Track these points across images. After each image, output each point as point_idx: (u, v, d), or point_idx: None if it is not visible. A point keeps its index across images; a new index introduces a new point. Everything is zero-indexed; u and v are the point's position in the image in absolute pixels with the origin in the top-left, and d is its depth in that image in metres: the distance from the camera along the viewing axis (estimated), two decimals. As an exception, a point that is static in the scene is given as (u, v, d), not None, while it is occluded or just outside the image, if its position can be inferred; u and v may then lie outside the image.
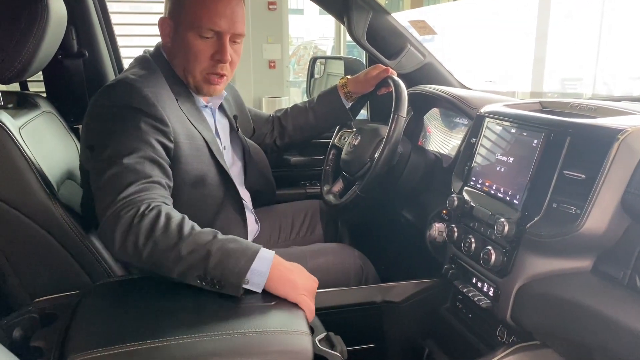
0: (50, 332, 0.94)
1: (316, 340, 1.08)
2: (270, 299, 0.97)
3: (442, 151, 1.58)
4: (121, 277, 1.15)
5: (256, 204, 1.56)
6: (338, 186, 1.59)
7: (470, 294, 1.10)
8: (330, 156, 1.69)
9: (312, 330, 1.12)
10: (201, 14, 1.17)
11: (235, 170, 1.42)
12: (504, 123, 1.13)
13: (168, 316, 0.90)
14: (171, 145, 1.13)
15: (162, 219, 0.96)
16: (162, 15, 1.25)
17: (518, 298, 1.00)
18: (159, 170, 1.07)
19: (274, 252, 0.98)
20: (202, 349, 0.83)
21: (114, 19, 1.78)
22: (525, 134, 1.05)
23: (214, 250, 0.93)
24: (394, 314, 1.28)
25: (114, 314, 0.94)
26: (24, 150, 1.11)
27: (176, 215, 0.98)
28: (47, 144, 1.31)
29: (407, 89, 1.43)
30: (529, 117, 1.06)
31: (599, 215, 0.88)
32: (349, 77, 1.61)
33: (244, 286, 0.93)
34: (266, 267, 0.94)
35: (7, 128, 1.10)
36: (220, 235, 0.97)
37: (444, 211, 1.32)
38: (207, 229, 0.98)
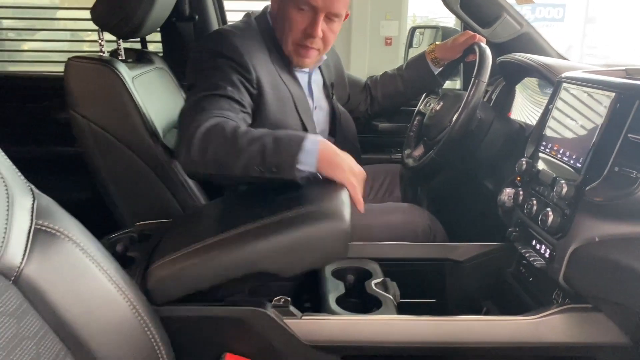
0: (143, 247, 1.11)
1: (372, 283, 1.17)
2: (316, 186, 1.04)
3: (528, 121, 1.56)
4: (206, 205, 1.31)
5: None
6: (419, 150, 1.63)
7: (527, 255, 1.11)
8: (415, 122, 1.73)
9: (370, 274, 1.21)
10: None
11: (320, 130, 1.51)
12: (577, 87, 1.11)
13: (228, 218, 1.03)
14: (254, 91, 1.23)
15: (220, 125, 1.06)
16: None
17: (572, 260, 1.00)
18: (237, 106, 1.17)
19: (319, 136, 1.06)
20: (251, 232, 0.92)
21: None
22: (595, 97, 1.04)
23: (268, 140, 1.02)
24: (457, 273, 1.32)
25: (190, 231, 1.09)
26: (134, 96, 1.30)
27: (232, 123, 1.08)
28: (157, 95, 1.50)
29: (499, 57, 1.43)
30: (600, 80, 1.04)
31: (660, 179, 0.86)
32: (437, 43, 1.63)
33: (297, 166, 1.00)
34: (315, 145, 1.01)
35: (122, 76, 1.30)
36: (271, 130, 1.07)
37: (518, 177, 1.32)
38: (261, 128, 1.09)
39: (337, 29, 1.32)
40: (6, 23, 3.45)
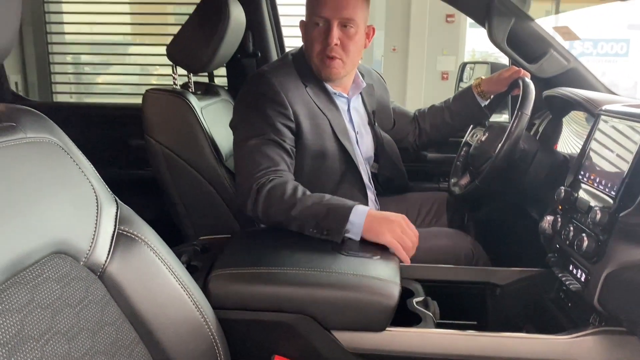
0: (205, 258, 1.24)
1: (413, 301, 1.24)
2: (372, 254, 1.15)
3: (574, 153, 1.60)
4: (261, 227, 1.43)
5: (388, 191, 1.75)
6: (465, 179, 1.70)
7: (564, 279, 1.16)
8: (462, 152, 1.80)
9: (412, 293, 1.28)
10: (312, 6, 1.42)
11: (364, 154, 1.61)
12: (615, 119, 1.16)
13: (288, 253, 1.14)
14: (292, 124, 1.38)
15: (280, 189, 1.23)
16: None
17: (606, 283, 1.03)
18: (281, 150, 1.33)
19: (368, 207, 1.18)
20: (309, 278, 1.05)
21: (283, 22, 2.12)
22: (630, 128, 1.09)
23: (322, 210, 1.18)
24: (497, 296, 1.37)
25: (250, 249, 1.21)
26: (203, 124, 1.45)
27: (290, 185, 1.24)
28: (222, 124, 1.66)
29: (545, 91, 1.50)
30: (634, 112, 1.09)
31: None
32: (482, 77, 1.71)
33: (346, 235, 1.15)
34: (361, 218, 1.15)
35: (193, 106, 1.46)
36: (325, 196, 1.22)
37: (560, 206, 1.37)
38: (316, 193, 1.24)
39: (354, 35, 1.42)
40: (84, 58, 3.80)
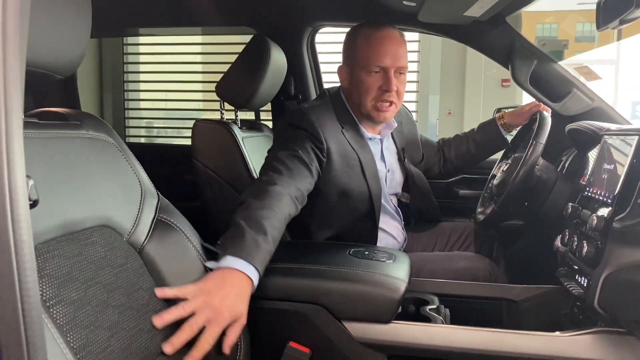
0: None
1: (427, 307, 1.32)
2: (386, 259, 1.25)
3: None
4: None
5: (421, 221, 1.85)
6: (490, 208, 1.77)
7: (568, 286, 1.21)
8: (489, 184, 1.88)
9: (428, 302, 1.36)
10: (369, 55, 1.52)
11: (392, 190, 1.72)
12: (613, 137, 1.24)
13: (307, 254, 1.27)
14: (324, 159, 1.47)
15: (264, 188, 1.25)
16: (340, 64, 1.63)
17: (605, 285, 1.08)
18: (302, 166, 1.38)
19: (229, 265, 1.05)
20: (322, 272, 1.16)
21: (323, 68, 2.33)
22: (625, 142, 1.17)
23: (239, 230, 1.12)
24: (513, 312, 1.41)
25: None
26: (243, 150, 1.64)
27: (275, 192, 1.24)
28: (261, 154, 1.83)
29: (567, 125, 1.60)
30: (627, 128, 1.18)
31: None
32: (505, 110, 1.82)
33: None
34: (218, 265, 1.06)
35: (236, 135, 1.65)
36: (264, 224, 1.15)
37: (570, 227, 1.42)
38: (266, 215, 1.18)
39: (405, 81, 1.57)
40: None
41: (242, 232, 1.11)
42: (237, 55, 1.79)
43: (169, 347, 0.92)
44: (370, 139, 1.64)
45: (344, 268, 1.18)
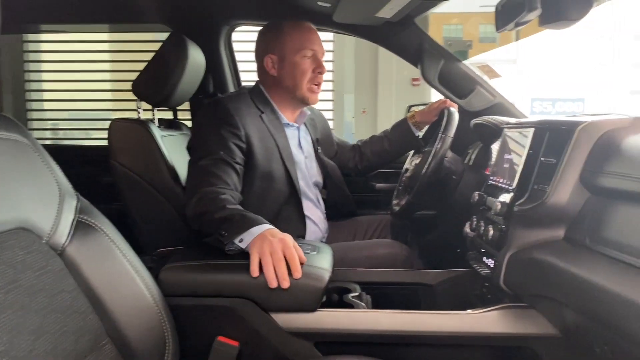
0: (161, 263, 1.37)
1: (349, 295, 1.38)
2: (310, 250, 1.29)
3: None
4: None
5: (336, 216, 1.91)
6: (404, 200, 1.87)
7: (477, 267, 1.31)
8: (403, 177, 1.99)
9: (350, 290, 1.41)
10: (302, 40, 1.64)
11: (312, 179, 1.78)
12: (512, 129, 1.37)
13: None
14: (243, 145, 1.53)
15: (216, 194, 1.36)
16: (265, 55, 1.66)
17: (509, 265, 1.19)
18: (229, 169, 1.47)
19: (272, 227, 1.25)
20: (244, 269, 1.18)
21: (241, 66, 2.34)
22: (522, 134, 1.29)
23: (237, 213, 1.30)
24: (428, 296, 1.51)
25: (200, 250, 1.34)
26: (162, 150, 1.62)
27: (228, 193, 1.38)
28: (181, 153, 1.82)
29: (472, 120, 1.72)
30: (524, 121, 1.30)
31: (562, 189, 1.08)
32: (416, 109, 1.93)
33: (237, 243, 1.23)
34: (257, 232, 1.22)
35: (154, 134, 1.63)
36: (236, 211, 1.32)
37: (477, 213, 1.54)
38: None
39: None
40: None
41: (239, 213, 1.29)
42: (150, 53, 1.76)
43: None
44: (288, 124, 1.70)
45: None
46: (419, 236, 1.94)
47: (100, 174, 2.19)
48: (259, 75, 1.71)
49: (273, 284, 1.13)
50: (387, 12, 1.75)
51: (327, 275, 1.19)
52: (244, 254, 1.23)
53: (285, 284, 1.13)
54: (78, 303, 0.95)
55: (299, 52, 1.62)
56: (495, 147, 1.94)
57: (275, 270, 1.13)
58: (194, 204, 1.36)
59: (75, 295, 0.96)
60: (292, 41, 1.63)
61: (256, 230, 1.22)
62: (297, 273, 1.14)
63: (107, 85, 4.19)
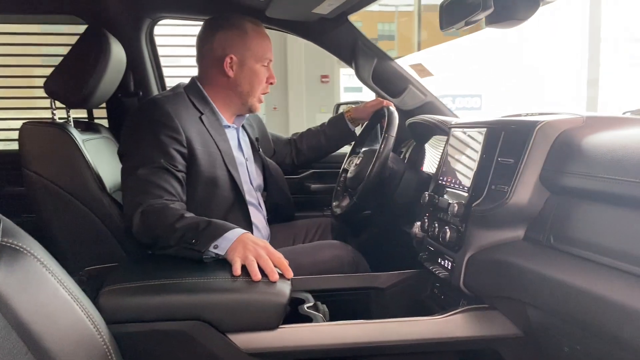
0: (93, 283, 1.22)
1: (304, 306, 1.31)
2: None
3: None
4: (149, 253, 1.43)
5: (277, 219, 1.83)
6: (345, 201, 1.83)
7: (434, 269, 1.30)
8: (341, 178, 1.95)
9: (303, 301, 1.35)
10: (264, 48, 1.57)
11: (254, 182, 1.69)
12: (461, 130, 1.37)
13: (178, 267, 1.17)
14: (185, 150, 1.41)
15: (165, 207, 1.28)
16: (225, 55, 1.54)
17: (468, 266, 1.18)
18: (171, 178, 1.36)
19: (246, 232, 1.24)
20: (201, 284, 1.08)
21: (163, 62, 2.18)
22: (474, 134, 1.29)
23: (203, 221, 1.25)
24: (380, 299, 1.48)
25: (140, 268, 1.21)
26: (85, 155, 1.45)
27: (177, 205, 1.31)
28: (105, 158, 1.65)
29: (408, 119, 1.70)
30: (476, 121, 1.30)
31: (522, 189, 1.09)
32: (352, 106, 1.91)
33: (212, 251, 1.19)
34: (233, 237, 1.21)
35: (75, 137, 1.45)
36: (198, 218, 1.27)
37: (428, 214, 1.54)
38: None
39: None
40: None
41: (202, 220, 1.26)
42: (64, 47, 1.58)
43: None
44: (228, 127, 1.61)
45: (223, 278, 1.11)
46: (356, 237, 1.91)
47: (10, 183, 1.95)
48: (205, 72, 1.58)
49: (258, 277, 1.13)
50: (324, 8, 1.69)
51: (287, 289, 1.11)
52: (193, 271, 1.13)
53: (275, 276, 1.14)
54: (10, 344, 0.80)
55: (260, 60, 1.57)
56: (428, 146, 1.97)
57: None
58: (139, 217, 1.25)
59: (5, 335, 0.81)
60: (256, 47, 1.57)
61: (231, 235, 1.20)
62: (290, 274, 1.18)
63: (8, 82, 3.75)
